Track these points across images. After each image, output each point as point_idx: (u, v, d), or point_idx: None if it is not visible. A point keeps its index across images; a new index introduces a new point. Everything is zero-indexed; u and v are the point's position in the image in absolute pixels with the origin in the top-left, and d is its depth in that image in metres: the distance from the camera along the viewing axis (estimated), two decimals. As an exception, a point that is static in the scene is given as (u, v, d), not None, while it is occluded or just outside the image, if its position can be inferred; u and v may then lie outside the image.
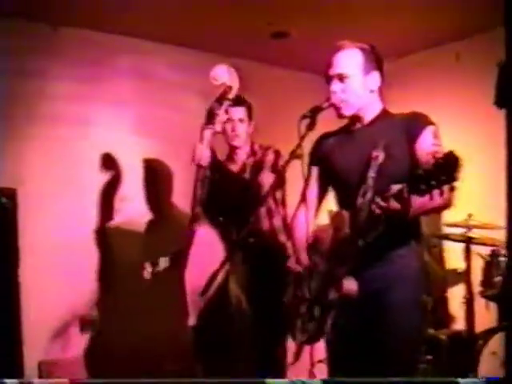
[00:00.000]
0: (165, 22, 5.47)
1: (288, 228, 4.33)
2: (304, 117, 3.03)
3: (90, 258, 5.23)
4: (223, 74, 3.87)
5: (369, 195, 2.90)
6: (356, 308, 3.01)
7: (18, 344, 4.50)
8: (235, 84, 3.88)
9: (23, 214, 4.71)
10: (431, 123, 2.99)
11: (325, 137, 3.36)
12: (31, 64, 5.14)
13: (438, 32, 6.02)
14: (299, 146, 2.99)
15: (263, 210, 4.30)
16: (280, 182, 4.16)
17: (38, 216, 4.96)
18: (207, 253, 3.66)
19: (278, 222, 4.39)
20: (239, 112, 4.35)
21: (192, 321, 3.86)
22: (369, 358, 3.02)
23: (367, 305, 3.01)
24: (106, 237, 5.31)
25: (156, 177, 5.53)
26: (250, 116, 4.44)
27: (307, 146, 3.13)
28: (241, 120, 4.37)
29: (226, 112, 3.95)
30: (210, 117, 3.88)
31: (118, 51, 5.60)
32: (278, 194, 4.35)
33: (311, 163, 3.33)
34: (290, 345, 3.27)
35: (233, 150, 4.47)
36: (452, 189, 2.61)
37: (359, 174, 2.99)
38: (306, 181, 3.30)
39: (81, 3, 4.99)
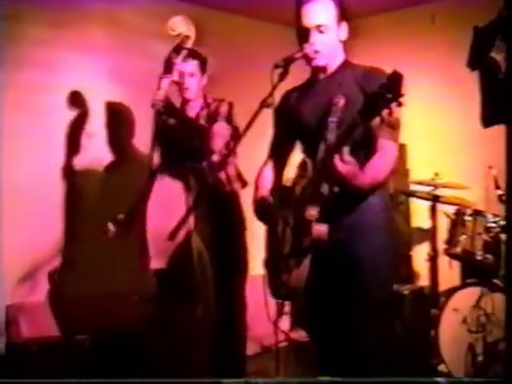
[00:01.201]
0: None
1: (241, 176, 4.42)
2: (276, 66, 3.03)
3: (57, 200, 5.20)
4: (180, 24, 3.92)
5: (330, 140, 2.94)
6: (328, 256, 3.04)
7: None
8: (192, 34, 3.93)
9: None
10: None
11: (290, 91, 3.38)
12: (4, 6, 5.03)
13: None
14: (271, 95, 2.99)
15: (217, 159, 4.35)
16: (234, 133, 4.22)
17: (2, 160, 4.90)
18: (168, 199, 3.70)
19: (231, 170, 4.42)
20: (190, 66, 4.36)
21: (155, 264, 3.92)
22: (341, 305, 3.07)
23: (339, 252, 3.05)
24: (71, 177, 5.28)
25: (119, 120, 5.51)
26: (203, 69, 4.46)
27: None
28: (191, 74, 4.39)
29: (184, 60, 3.99)
30: (168, 66, 3.92)
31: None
32: (232, 144, 4.39)
33: (278, 117, 3.28)
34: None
35: (185, 102, 4.50)
36: (400, 105, 2.67)
37: (322, 120, 3.02)
38: (274, 136, 3.34)
39: None
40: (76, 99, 5.21)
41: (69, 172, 5.23)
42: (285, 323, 5.49)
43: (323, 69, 3.20)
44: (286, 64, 3.03)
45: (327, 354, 3.24)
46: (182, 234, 3.80)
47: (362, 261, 3.04)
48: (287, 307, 5.42)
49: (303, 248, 3.03)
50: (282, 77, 3.01)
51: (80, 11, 5.43)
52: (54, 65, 5.30)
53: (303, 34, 3.14)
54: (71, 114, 5.29)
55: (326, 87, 3.16)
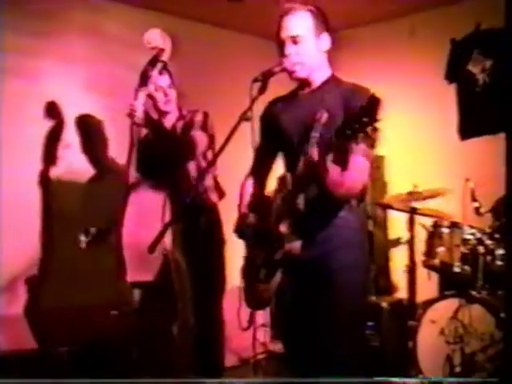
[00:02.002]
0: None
1: (219, 187, 4.43)
2: (256, 80, 3.06)
3: (37, 210, 5.19)
4: (156, 38, 3.96)
5: (310, 155, 2.94)
6: (301, 271, 3.06)
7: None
8: (168, 47, 3.96)
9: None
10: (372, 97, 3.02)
11: (274, 102, 3.39)
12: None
13: (393, 4, 6.05)
14: (250, 108, 3.01)
15: (193, 170, 4.36)
16: (210, 142, 4.27)
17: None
18: (145, 212, 3.73)
19: (209, 181, 4.43)
20: (166, 79, 4.40)
21: (133, 277, 3.93)
22: (315, 321, 3.07)
23: (312, 268, 3.07)
24: (48, 188, 5.26)
25: (92, 132, 5.51)
26: (173, 82, 4.48)
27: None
28: (169, 86, 4.40)
29: (160, 74, 4.05)
30: (144, 78, 3.96)
31: (70, 6, 5.50)
32: (209, 154, 4.40)
33: (261, 127, 3.35)
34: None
35: (161, 114, 4.52)
36: (375, 129, 2.71)
37: (304, 135, 3.02)
38: (258, 147, 3.35)
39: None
40: (52, 109, 5.20)
41: (45, 183, 5.22)
42: (265, 335, 5.51)
43: (307, 82, 3.21)
44: (264, 78, 3.06)
45: (301, 366, 3.25)
46: (160, 247, 3.80)
47: (334, 275, 3.04)
48: (267, 319, 5.50)
49: (276, 261, 3.06)
50: (261, 91, 3.04)
51: (61, 21, 5.45)
52: (34, 74, 5.30)
53: (280, 47, 3.17)
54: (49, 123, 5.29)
55: (309, 101, 3.16)
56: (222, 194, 4.47)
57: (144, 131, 4.20)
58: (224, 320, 4.43)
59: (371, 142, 2.90)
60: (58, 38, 5.43)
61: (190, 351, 4.15)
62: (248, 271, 3.22)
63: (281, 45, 3.16)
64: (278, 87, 3.21)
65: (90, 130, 5.46)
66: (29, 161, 5.16)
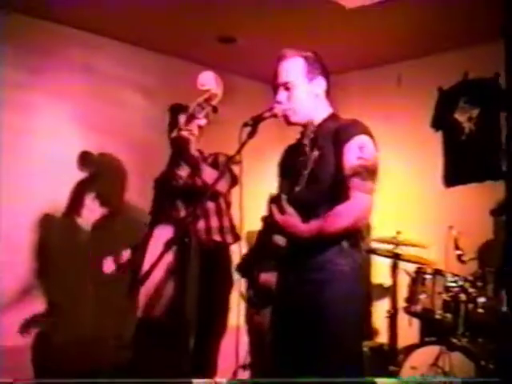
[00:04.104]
0: (115, 19, 5.49)
1: (234, 230, 4.44)
2: (245, 125, 3.09)
3: (26, 247, 5.20)
4: (210, 81, 3.89)
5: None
6: (289, 308, 3.09)
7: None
8: (220, 92, 3.91)
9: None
10: (363, 133, 3.06)
11: (287, 148, 3.45)
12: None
13: (381, 52, 6.14)
14: (238, 152, 3.05)
15: (213, 208, 4.38)
16: (233, 183, 4.21)
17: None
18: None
19: (226, 222, 4.45)
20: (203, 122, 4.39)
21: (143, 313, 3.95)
22: (301, 358, 3.07)
23: (299, 306, 3.07)
24: (51, 225, 5.31)
25: (109, 172, 5.54)
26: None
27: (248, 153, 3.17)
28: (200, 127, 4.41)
29: (206, 117, 4.00)
30: (190, 119, 3.93)
31: (66, 43, 5.58)
32: (229, 195, 4.42)
33: (278, 173, 3.41)
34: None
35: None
36: (364, 177, 2.88)
37: (298, 174, 3.01)
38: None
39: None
40: (86, 159, 5.25)
41: (50, 221, 5.27)
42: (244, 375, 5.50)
43: (307, 125, 3.20)
44: (254, 123, 3.08)
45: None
46: (167, 284, 3.85)
47: (321, 317, 3.03)
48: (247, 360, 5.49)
49: (257, 295, 3.12)
50: (251, 135, 3.06)
51: (57, 58, 5.51)
52: (30, 109, 5.34)
53: (274, 92, 3.22)
54: (49, 157, 5.33)
55: (309, 141, 3.18)
56: (236, 238, 4.46)
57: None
58: (217, 364, 4.43)
59: (369, 176, 2.94)
60: (55, 75, 5.50)
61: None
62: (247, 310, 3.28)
63: (274, 90, 3.21)
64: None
65: (109, 169, 5.49)
66: (19, 192, 5.19)
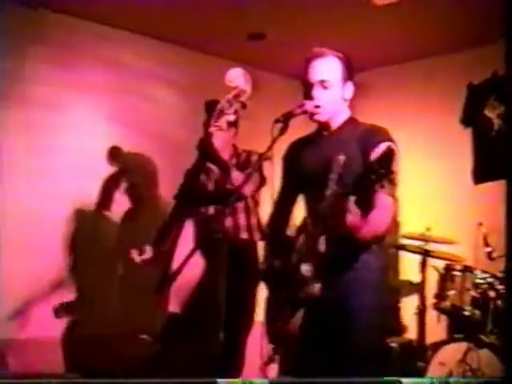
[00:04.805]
0: (145, 16, 5.53)
1: (261, 227, 4.47)
2: (277, 121, 3.10)
3: (57, 240, 5.26)
4: (239, 77, 3.91)
5: (329, 197, 2.98)
6: (321, 313, 3.09)
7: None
8: (249, 88, 3.93)
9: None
10: (388, 139, 3.04)
11: (295, 143, 3.44)
12: (8, 44, 5.15)
13: (411, 47, 6.13)
14: (270, 148, 3.07)
15: (241, 207, 4.41)
16: (262, 183, 4.23)
17: (10, 196, 4.98)
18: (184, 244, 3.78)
19: (253, 220, 4.48)
20: (233, 117, 4.39)
21: (173, 307, 3.99)
22: (332, 363, 3.08)
23: (331, 310, 3.09)
24: (82, 219, 5.37)
25: (139, 167, 5.58)
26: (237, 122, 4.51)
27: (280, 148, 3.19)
28: (229, 124, 4.41)
29: (235, 113, 4.02)
30: (219, 115, 3.95)
31: (97, 40, 5.62)
32: (257, 195, 4.44)
33: (283, 168, 3.42)
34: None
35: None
36: (392, 182, 2.79)
37: (322, 177, 3.03)
38: (280, 187, 3.41)
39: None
40: (115, 154, 5.31)
41: (82, 214, 5.33)
42: (273, 371, 5.51)
43: (326, 125, 3.26)
44: (285, 119, 3.10)
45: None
46: (195, 280, 3.88)
47: (352, 317, 3.06)
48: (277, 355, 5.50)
49: (297, 301, 3.11)
50: (282, 131, 3.09)
51: (85, 53, 5.56)
52: (58, 105, 5.40)
53: (307, 89, 3.21)
54: (76, 153, 5.39)
55: (328, 143, 3.20)
56: (263, 234, 4.49)
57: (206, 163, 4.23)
58: (245, 358, 4.47)
59: (395, 180, 2.94)
60: (83, 70, 5.55)
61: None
62: (269, 311, 3.26)
63: (307, 87, 3.21)
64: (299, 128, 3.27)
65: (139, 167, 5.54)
66: (52, 189, 5.25)
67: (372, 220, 2.99)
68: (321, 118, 3.22)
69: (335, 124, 3.26)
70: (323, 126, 3.28)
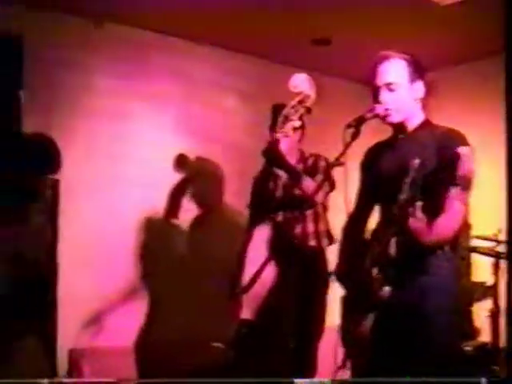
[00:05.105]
0: (208, 25, 5.56)
1: (330, 233, 4.48)
2: (349, 126, 3.12)
3: (126, 250, 5.33)
4: (303, 83, 3.94)
5: (401, 200, 2.94)
6: (392, 316, 3.08)
7: (52, 330, 4.58)
8: (313, 93, 3.95)
9: (64, 203, 4.78)
10: (465, 144, 3.02)
11: (373, 148, 3.46)
12: (75, 57, 5.26)
13: (476, 47, 6.05)
14: (343, 153, 3.07)
15: (310, 214, 4.42)
16: (330, 188, 4.26)
17: (78, 206, 5.05)
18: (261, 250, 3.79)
19: (322, 226, 4.49)
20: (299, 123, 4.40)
21: (245, 314, 4.02)
22: (403, 365, 3.07)
23: (403, 313, 3.07)
24: (150, 228, 5.43)
25: (206, 174, 5.63)
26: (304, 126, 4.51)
27: (349, 154, 3.19)
28: (295, 129, 4.41)
29: (301, 118, 4.03)
30: (285, 121, 3.98)
31: (159, 49, 5.70)
32: (325, 200, 4.45)
33: (361, 174, 3.44)
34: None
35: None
36: (464, 187, 2.81)
37: (397, 181, 3.00)
38: (358, 192, 3.42)
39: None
40: (182, 162, 5.37)
41: (148, 224, 5.39)
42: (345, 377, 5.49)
43: (401, 127, 3.25)
44: (357, 124, 3.12)
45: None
46: (267, 287, 3.90)
47: (426, 321, 3.04)
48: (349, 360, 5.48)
49: (368, 304, 3.11)
50: (354, 136, 3.10)
51: (149, 63, 5.63)
52: (126, 116, 5.49)
53: (375, 93, 3.22)
54: (140, 162, 5.45)
55: (403, 147, 3.20)
56: (332, 241, 4.50)
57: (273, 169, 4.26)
58: (317, 365, 4.47)
59: (467, 185, 2.92)
60: (147, 80, 5.62)
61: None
62: (342, 314, 3.27)
63: (375, 91, 3.22)
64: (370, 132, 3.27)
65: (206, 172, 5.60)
66: (117, 199, 5.33)
67: (439, 226, 2.97)
68: (393, 119, 3.22)
69: (411, 126, 3.25)
70: (399, 129, 3.27)
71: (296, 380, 3.49)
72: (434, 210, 2.99)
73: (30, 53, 4.71)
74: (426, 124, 3.27)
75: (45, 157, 1.57)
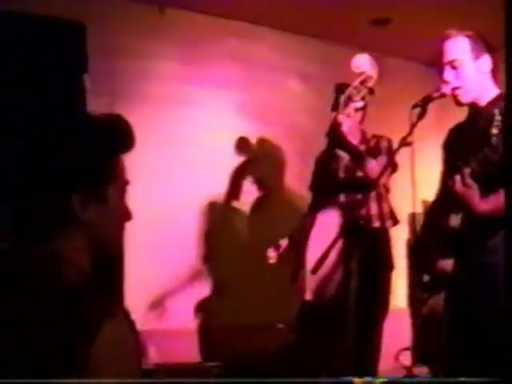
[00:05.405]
0: (266, 7, 5.57)
1: (394, 215, 4.45)
2: (415, 106, 3.10)
3: (189, 233, 5.37)
4: (365, 63, 3.92)
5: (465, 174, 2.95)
6: (461, 292, 3.06)
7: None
8: (375, 73, 3.93)
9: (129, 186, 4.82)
10: None
11: (453, 129, 3.41)
12: (138, 44, 5.30)
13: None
14: (410, 134, 3.05)
15: (373, 195, 4.39)
16: (393, 169, 4.23)
17: (141, 190, 5.09)
18: (325, 233, 3.78)
19: (385, 208, 4.46)
20: (361, 103, 4.38)
21: (308, 296, 4.02)
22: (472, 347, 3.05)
23: (471, 293, 3.05)
24: (211, 211, 5.46)
25: (267, 156, 5.63)
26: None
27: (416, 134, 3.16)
28: (356, 109, 4.39)
29: (363, 99, 4.02)
30: (347, 102, 3.96)
31: (220, 33, 5.71)
32: (387, 181, 4.42)
33: (443, 155, 3.40)
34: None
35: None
36: None
37: (469, 155, 3.00)
38: (443, 172, 3.37)
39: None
40: (243, 144, 5.39)
41: (212, 208, 5.42)
42: (408, 359, 5.48)
43: (475, 105, 3.20)
44: (424, 103, 3.10)
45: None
46: (331, 268, 3.90)
47: (495, 302, 2.98)
48: (410, 342, 5.46)
49: (433, 281, 3.11)
50: (421, 116, 3.08)
51: (210, 48, 5.65)
52: (190, 100, 5.52)
53: (440, 72, 3.20)
54: (202, 146, 5.49)
55: (480, 123, 3.14)
56: (395, 222, 4.48)
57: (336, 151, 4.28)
58: (381, 345, 4.45)
59: None
60: (208, 64, 5.64)
61: (343, 371, 4.19)
62: (410, 295, 3.26)
63: (440, 70, 3.19)
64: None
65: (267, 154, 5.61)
66: (179, 182, 5.37)
67: (496, 196, 2.92)
68: (464, 99, 3.18)
69: (484, 102, 3.19)
70: (473, 107, 3.23)
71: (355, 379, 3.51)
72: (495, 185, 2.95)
73: (94, 39, 4.77)
74: (499, 98, 3.18)
75: (118, 135, 1.59)
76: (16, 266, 1.62)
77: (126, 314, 1.62)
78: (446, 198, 3.08)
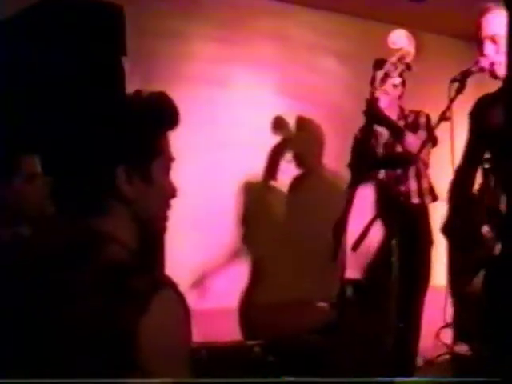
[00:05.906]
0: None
1: (433, 191, 4.43)
2: (454, 80, 3.09)
3: (227, 213, 5.40)
4: (402, 39, 3.89)
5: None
6: (504, 273, 3.03)
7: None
8: (412, 49, 3.91)
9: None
10: None
11: (482, 98, 3.40)
12: (176, 25, 5.32)
13: None
14: (449, 108, 3.04)
15: (412, 171, 4.37)
16: (433, 144, 4.19)
17: (180, 170, 5.13)
18: (367, 210, 3.78)
19: (425, 184, 4.45)
20: (399, 79, 4.34)
21: (350, 274, 4.03)
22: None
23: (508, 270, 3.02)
24: (251, 190, 5.47)
25: (305, 134, 5.63)
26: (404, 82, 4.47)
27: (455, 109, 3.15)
28: (395, 86, 4.37)
29: (401, 75, 4.00)
30: (385, 79, 3.95)
31: (258, 13, 5.72)
32: (426, 157, 4.40)
33: (470, 124, 3.41)
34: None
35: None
36: None
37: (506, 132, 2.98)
38: (466, 145, 3.36)
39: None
40: (280, 124, 5.39)
41: (250, 186, 5.44)
42: (447, 336, 5.45)
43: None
44: (462, 78, 3.09)
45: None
46: (373, 246, 3.90)
47: None
48: (451, 319, 5.43)
49: (478, 262, 3.08)
50: (460, 90, 3.07)
51: (248, 28, 5.65)
52: (226, 80, 5.53)
53: (479, 46, 3.20)
54: (241, 126, 5.50)
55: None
56: (435, 198, 4.46)
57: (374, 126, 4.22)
58: (422, 320, 4.46)
59: None
60: (246, 45, 5.65)
61: (385, 349, 4.20)
62: (450, 272, 3.24)
63: (479, 44, 3.19)
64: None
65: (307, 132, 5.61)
66: (217, 162, 5.40)
67: None
68: (499, 72, 3.15)
69: None
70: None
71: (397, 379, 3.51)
72: None
73: (132, 21, 4.79)
74: None
75: (164, 112, 1.60)
76: (60, 238, 1.64)
77: (175, 288, 1.64)
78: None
